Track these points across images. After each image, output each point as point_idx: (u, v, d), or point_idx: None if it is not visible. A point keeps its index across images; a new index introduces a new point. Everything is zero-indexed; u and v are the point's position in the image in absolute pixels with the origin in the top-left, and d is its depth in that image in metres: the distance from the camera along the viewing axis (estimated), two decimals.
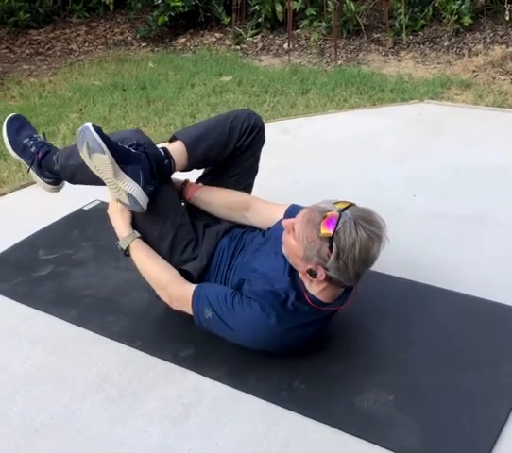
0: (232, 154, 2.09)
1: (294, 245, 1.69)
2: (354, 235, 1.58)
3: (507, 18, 4.27)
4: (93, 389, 1.87)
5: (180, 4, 5.16)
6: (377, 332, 1.95)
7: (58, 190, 2.29)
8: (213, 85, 4.43)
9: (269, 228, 1.99)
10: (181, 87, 4.45)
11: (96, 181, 1.98)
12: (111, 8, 5.73)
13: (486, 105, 3.70)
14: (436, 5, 4.57)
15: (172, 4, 5.13)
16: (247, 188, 2.19)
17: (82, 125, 1.84)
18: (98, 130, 1.82)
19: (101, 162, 1.83)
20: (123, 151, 1.87)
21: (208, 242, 1.99)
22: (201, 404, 1.79)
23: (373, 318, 2.00)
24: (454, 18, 4.51)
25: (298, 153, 3.23)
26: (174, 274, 1.93)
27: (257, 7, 5.09)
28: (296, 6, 4.78)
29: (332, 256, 1.60)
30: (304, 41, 5.09)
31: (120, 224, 2.01)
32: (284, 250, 1.77)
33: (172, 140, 2.07)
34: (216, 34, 5.53)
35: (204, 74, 4.67)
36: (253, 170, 2.20)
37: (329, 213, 1.61)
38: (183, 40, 5.54)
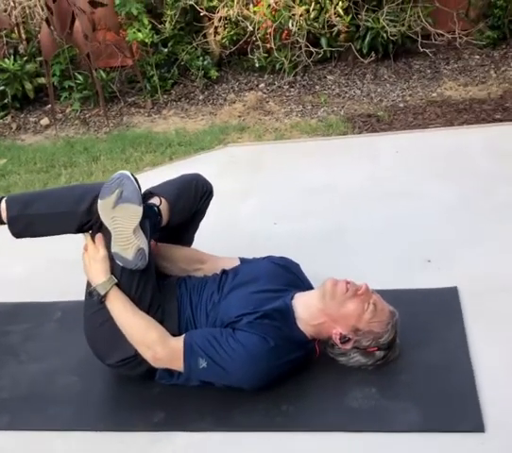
0: (190, 217, 2.15)
1: (357, 312, 1.84)
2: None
3: (257, 65, 4.79)
4: None
5: None
6: None
7: None
8: None
9: (239, 268, 2.12)
10: None
11: (53, 232, 1.91)
12: None
13: None
14: (183, 63, 4.94)
15: None
16: None
17: (119, 172, 1.80)
18: (136, 181, 1.79)
19: (129, 214, 1.77)
20: None
21: (169, 300, 1.98)
22: None
23: None
24: (202, 73, 4.93)
25: None
26: (160, 331, 1.88)
27: (3, 87, 4.99)
28: (54, 80, 4.80)
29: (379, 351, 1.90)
30: (61, 115, 5.10)
31: (98, 267, 1.87)
32: (326, 301, 1.87)
33: (149, 196, 1.99)
34: None
35: None
36: (192, 238, 2.27)
37: (396, 319, 1.92)
38: None
